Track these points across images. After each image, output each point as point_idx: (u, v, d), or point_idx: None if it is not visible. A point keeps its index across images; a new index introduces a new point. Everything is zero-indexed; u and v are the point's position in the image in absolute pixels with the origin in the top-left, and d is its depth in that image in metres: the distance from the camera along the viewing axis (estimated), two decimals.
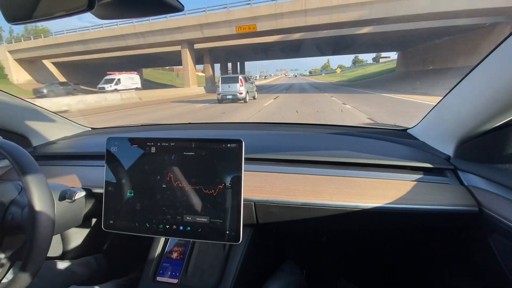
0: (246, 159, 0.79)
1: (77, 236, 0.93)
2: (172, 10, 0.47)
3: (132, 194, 0.65)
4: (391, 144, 0.93)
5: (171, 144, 0.63)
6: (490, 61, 0.58)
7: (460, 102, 0.71)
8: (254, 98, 12.89)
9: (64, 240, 0.91)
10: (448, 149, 0.78)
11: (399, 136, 0.99)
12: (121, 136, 0.67)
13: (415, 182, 0.71)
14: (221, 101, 11.55)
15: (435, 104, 0.83)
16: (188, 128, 1.19)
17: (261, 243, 0.89)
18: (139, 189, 0.65)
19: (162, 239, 0.74)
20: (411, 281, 0.99)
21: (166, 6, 0.46)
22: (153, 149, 0.64)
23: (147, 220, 0.65)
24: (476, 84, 0.65)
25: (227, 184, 0.61)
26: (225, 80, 11.73)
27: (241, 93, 11.21)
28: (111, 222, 0.66)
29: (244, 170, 0.75)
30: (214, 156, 0.61)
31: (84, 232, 0.94)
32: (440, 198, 0.66)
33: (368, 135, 1.02)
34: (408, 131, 1.01)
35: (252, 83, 13.26)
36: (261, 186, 0.70)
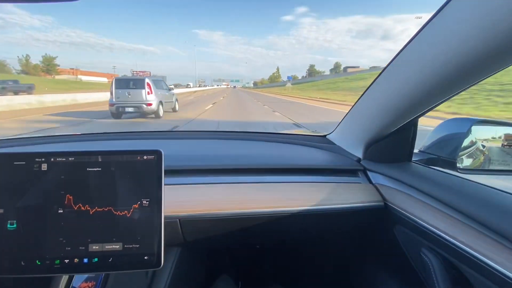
0: (167, 171, 0.72)
1: None
2: None
3: (15, 226, 0.51)
4: (312, 150, 1.00)
5: (70, 159, 0.52)
6: (387, 73, 0.68)
7: (365, 110, 0.81)
8: (174, 110, 9.86)
9: None
10: (359, 152, 0.88)
11: (319, 141, 1.07)
12: None
13: (333, 184, 0.77)
14: (117, 115, 7.91)
15: (347, 111, 0.93)
16: (96, 139, 1.02)
17: (191, 262, 0.82)
18: (25, 219, 0.51)
19: (65, 276, 0.60)
20: (337, 275, 1.07)
21: None
22: (44, 166, 0.51)
23: (38, 256, 0.51)
24: (377, 94, 0.74)
25: (144, 202, 0.53)
26: (121, 84, 8.00)
27: (149, 104, 7.74)
28: None
29: (166, 184, 0.68)
30: (126, 171, 0.53)
31: None
32: (354, 196, 0.73)
33: (292, 142, 1.07)
34: (327, 136, 1.11)
35: (169, 90, 9.81)
36: (186, 200, 0.64)
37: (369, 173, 0.83)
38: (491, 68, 0.46)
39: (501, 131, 0.74)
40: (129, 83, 8.23)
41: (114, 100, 7.76)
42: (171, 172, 0.72)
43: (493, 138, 0.75)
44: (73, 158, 0.52)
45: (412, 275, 0.68)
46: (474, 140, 0.74)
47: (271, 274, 1.17)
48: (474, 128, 0.69)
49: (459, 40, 0.44)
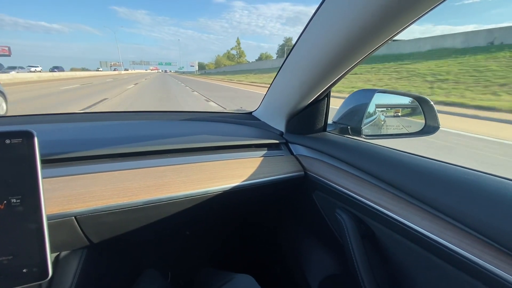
0: (59, 159, 0.58)
1: None
2: None
3: None
4: (238, 126, 0.97)
5: None
6: (296, 49, 0.69)
7: (282, 86, 0.82)
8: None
9: None
10: (281, 126, 0.90)
11: (245, 118, 1.05)
12: None
13: (258, 158, 0.77)
14: None
15: (268, 88, 0.93)
16: None
17: (103, 263, 0.71)
18: None
19: None
20: (266, 245, 1.11)
21: None
22: None
23: None
24: (290, 70, 0.75)
25: (13, 201, 0.40)
26: None
27: None
28: None
29: (56, 176, 0.54)
30: None
31: None
32: (278, 169, 0.74)
33: (218, 119, 1.02)
34: (252, 113, 1.10)
35: None
36: (83, 192, 0.53)
37: (290, 145, 0.85)
38: (374, 42, 0.53)
39: (395, 100, 0.86)
40: None
41: None
42: (61, 160, 0.58)
43: (389, 106, 0.86)
44: None
45: (329, 233, 0.74)
46: (375, 110, 0.84)
47: (202, 258, 1.14)
48: (375, 98, 0.77)
49: (352, 13, 0.48)
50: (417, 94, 0.83)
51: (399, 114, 0.89)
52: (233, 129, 0.93)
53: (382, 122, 0.87)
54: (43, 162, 0.51)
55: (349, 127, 0.79)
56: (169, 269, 1.00)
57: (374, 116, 0.85)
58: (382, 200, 0.54)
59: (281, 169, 0.74)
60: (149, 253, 0.98)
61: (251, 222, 1.10)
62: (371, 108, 0.79)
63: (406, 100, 0.86)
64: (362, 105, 0.78)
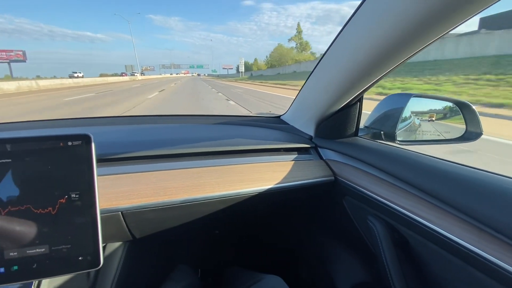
0: (107, 159, 0.63)
1: None
2: None
3: None
4: (268, 130, 0.99)
5: None
6: (330, 53, 0.69)
7: (313, 90, 0.82)
8: None
9: None
10: (310, 130, 0.90)
11: (274, 122, 1.07)
12: None
13: (288, 162, 0.78)
14: None
15: (298, 92, 0.94)
16: (14, 128, 0.85)
17: (142, 256, 0.76)
18: None
19: None
20: (293, 249, 1.12)
21: None
22: None
23: None
24: (322, 74, 0.75)
25: (73, 196, 0.45)
26: None
27: None
28: None
29: (106, 174, 0.60)
30: (46, 161, 0.44)
31: None
32: (307, 173, 0.75)
33: (247, 123, 1.05)
34: (281, 117, 1.11)
35: None
36: (129, 190, 0.58)
37: (320, 150, 0.85)
38: (419, 43, 0.50)
39: (433, 105, 0.82)
40: None
41: None
42: (110, 160, 0.63)
43: (426, 111, 0.83)
44: None
45: (360, 240, 0.73)
46: (410, 114, 0.81)
47: (229, 257, 1.17)
48: (410, 102, 0.74)
49: (391, 17, 0.47)
50: (457, 98, 0.79)
51: (433, 119, 0.85)
52: (263, 133, 0.95)
53: (417, 127, 0.84)
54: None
55: (382, 132, 0.77)
56: (198, 265, 1.04)
57: (408, 121, 0.82)
58: (418, 209, 0.53)
59: (311, 173, 0.75)
60: (181, 249, 1.02)
61: (278, 224, 1.11)
62: (406, 113, 0.76)
63: (444, 105, 0.82)
64: (397, 109, 0.75)
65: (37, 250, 0.44)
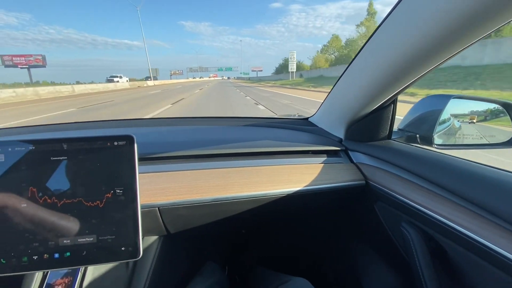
0: (145, 158, 0.68)
1: None
2: None
3: None
4: (296, 132, 0.99)
5: (30, 148, 0.47)
6: (363, 54, 0.68)
7: (344, 91, 0.81)
8: None
9: None
10: (340, 133, 0.88)
11: (302, 124, 1.07)
12: None
13: (316, 164, 0.77)
14: None
15: (327, 94, 0.92)
16: (66, 129, 0.95)
17: (175, 250, 0.80)
18: None
19: (39, 273, 0.56)
20: (322, 253, 1.10)
21: None
22: (1, 157, 0.46)
23: (2, 254, 0.47)
24: (354, 75, 0.74)
25: (118, 191, 0.50)
26: None
27: None
28: None
29: (144, 172, 0.64)
30: (95, 158, 0.49)
31: None
32: (336, 176, 0.73)
33: (275, 125, 1.06)
34: (309, 119, 1.10)
35: None
36: (165, 187, 0.62)
37: (350, 153, 0.83)
38: (458, 45, 0.48)
39: (475, 106, 0.77)
40: None
41: None
42: (147, 160, 0.68)
43: (467, 113, 0.77)
44: (33, 147, 0.47)
45: (392, 247, 0.70)
46: (449, 117, 0.76)
47: (256, 257, 1.18)
48: (450, 104, 0.70)
49: (428, 17, 0.45)
50: (503, 99, 0.73)
51: (475, 121, 0.79)
52: (291, 134, 0.96)
53: (457, 130, 0.79)
54: None
55: (417, 135, 0.74)
56: (225, 263, 1.07)
57: (447, 123, 0.77)
58: (457, 217, 0.50)
59: (341, 176, 0.73)
60: (209, 246, 1.06)
61: (306, 227, 1.10)
62: (444, 115, 0.72)
63: (488, 107, 0.76)
64: (434, 111, 0.71)
65: (87, 239, 0.49)
